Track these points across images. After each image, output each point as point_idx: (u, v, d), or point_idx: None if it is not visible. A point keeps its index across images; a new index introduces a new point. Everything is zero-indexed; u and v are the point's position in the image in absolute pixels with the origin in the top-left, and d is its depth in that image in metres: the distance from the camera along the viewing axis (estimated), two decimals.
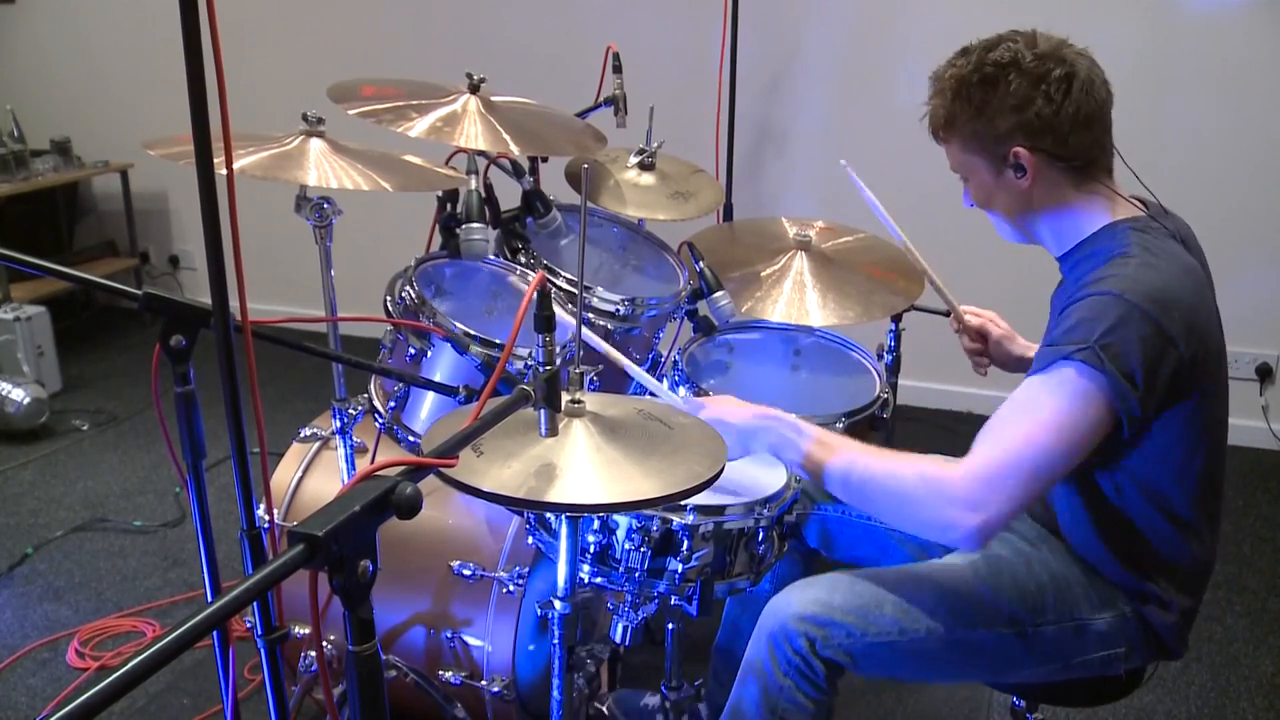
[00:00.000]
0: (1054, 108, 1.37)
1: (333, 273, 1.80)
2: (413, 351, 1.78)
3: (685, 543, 1.49)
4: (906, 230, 1.91)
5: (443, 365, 1.77)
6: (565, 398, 1.27)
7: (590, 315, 1.93)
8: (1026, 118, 1.37)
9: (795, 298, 2.10)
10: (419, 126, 1.85)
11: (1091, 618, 1.46)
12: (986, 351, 1.86)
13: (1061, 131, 1.38)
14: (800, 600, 1.47)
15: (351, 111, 1.86)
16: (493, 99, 2.00)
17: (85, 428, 3.61)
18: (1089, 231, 1.44)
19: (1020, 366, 1.81)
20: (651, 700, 1.99)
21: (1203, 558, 1.48)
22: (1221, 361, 1.42)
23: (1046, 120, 1.37)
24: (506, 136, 1.89)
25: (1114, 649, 1.47)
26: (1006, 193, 1.45)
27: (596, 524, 1.52)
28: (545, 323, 1.20)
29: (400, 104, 1.91)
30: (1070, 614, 1.46)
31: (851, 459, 1.40)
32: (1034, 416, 1.28)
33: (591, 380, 1.83)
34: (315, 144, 1.74)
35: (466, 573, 1.84)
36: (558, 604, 1.42)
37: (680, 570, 1.50)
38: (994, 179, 1.45)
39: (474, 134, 1.87)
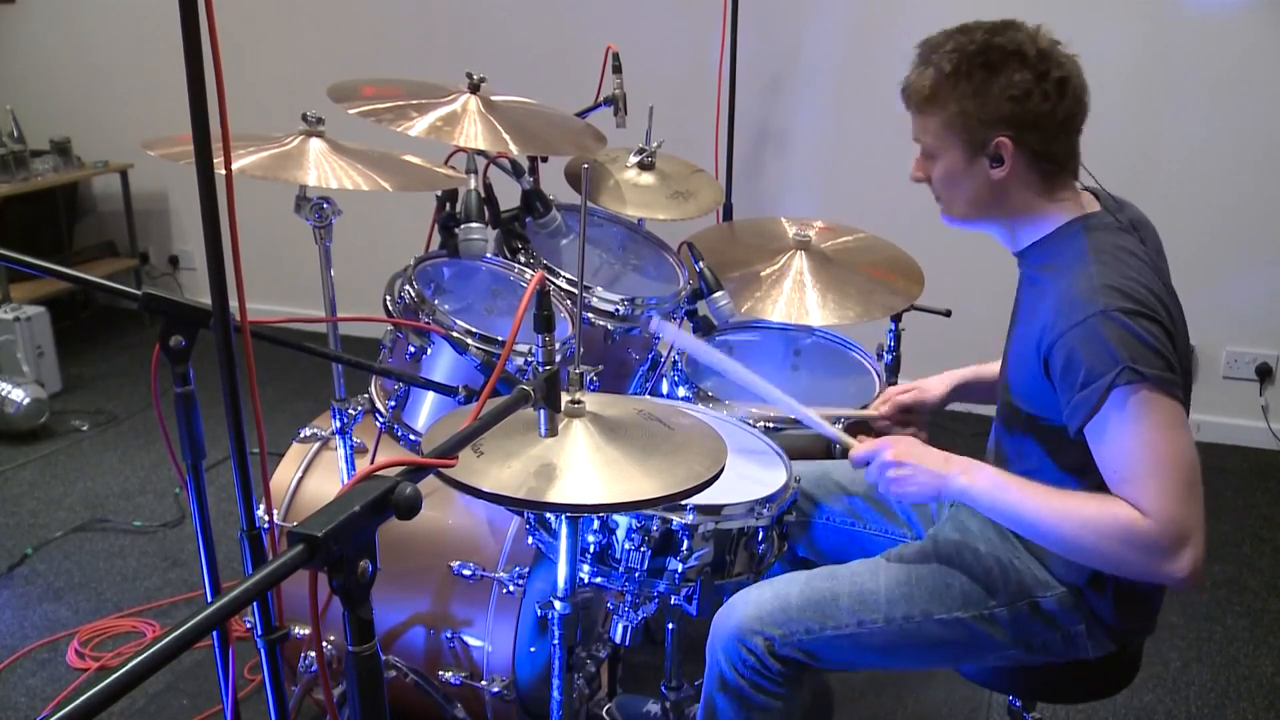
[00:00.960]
0: (1049, 106, 1.36)
1: (332, 273, 1.80)
2: (412, 350, 1.78)
3: (685, 542, 1.49)
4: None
5: (442, 365, 1.77)
6: (565, 398, 1.27)
7: (590, 315, 1.93)
8: (1021, 110, 1.36)
9: (795, 298, 2.10)
10: (419, 126, 1.85)
11: (1042, 595, 1.47)
12: (915, 419, 1.83)
13: (1049, 132, 1.38)
14: (757, 599, 1.49)
15: (352, 111, 1.86)
16: (493, 98, 2.01)
17: (85, 428, 3.61)
18: (1046, 232, 1.44)
19: (955, 397, 1.81)
20: (653, 708, 1.99)
21: None
22: (1186, 341, 1.42)
23: (1038, 118, 1.37)
24: (506, 136, 1.89)
25: (1072, 627, 1.47)
26: (975, 179, 1.43)
27: (596, 524, 1.52)
28: (545, 322, 1.21)
29: (400, 103, 1.91)
30: (1021, 593, 1.48)
31: (1029, 509, 1.36)
32: (1146, 443, 1.28)
33: (591, 380, 1.83)
34: (315, 144, 1.74)
35: (466, 573, 1.84)
36: (558, 604, 1.42)
37: (680, 570, 1.50)
38: (965, 163, 1.42)
39: (474, 134, 1.87)
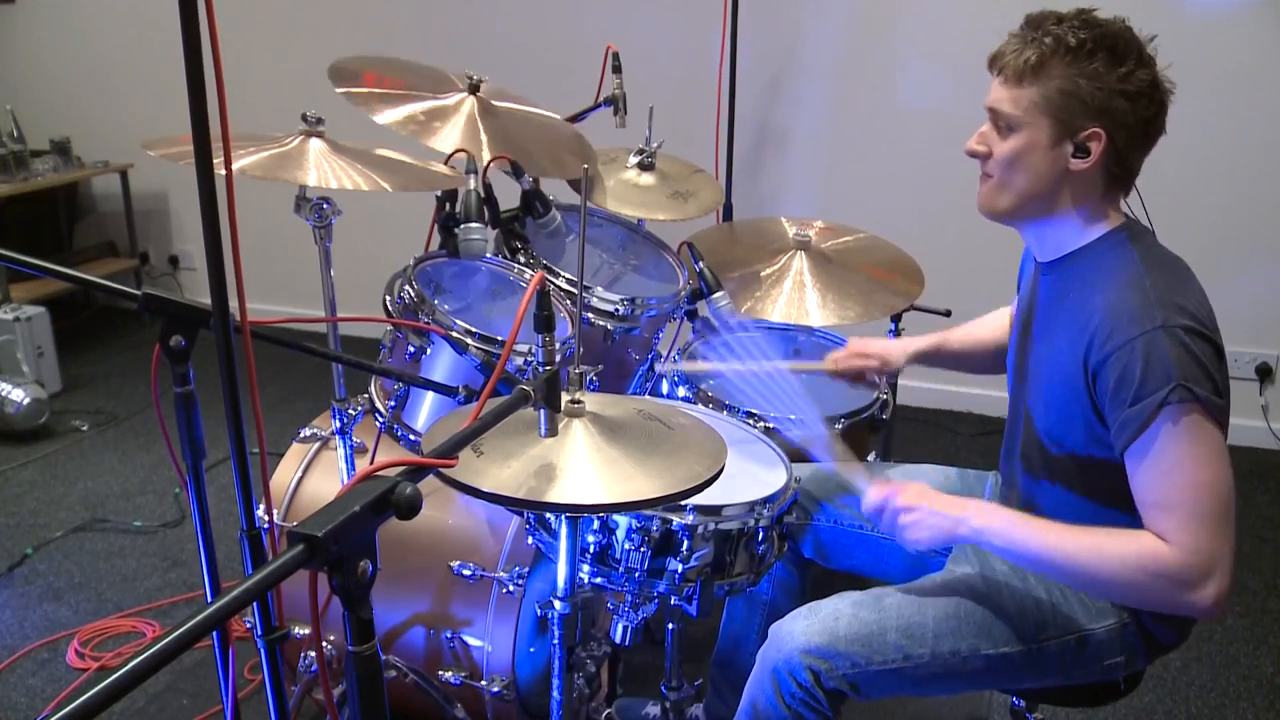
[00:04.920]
0: (1150, 113, 1.34)
1: (332, 273, 1.80)
2: (412, 349, 1.78)
3: (685, 543, 1.49)
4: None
5: (442, 365, 1.77)
6: (565, 398, 1.27)
7: (590, 315, 1.93)
8: (1128, 108, 1.32)
9: (795, 298, 2.10)
10: (391, 116, 1.83)
11: (1091, 629, 1.46)
12: (873, 367, 1.90)
13: (1137, 139, 1.36)
14: (805, 631, 1.46)
15: (339, 90, 1.84)
16: (493, 103, 2.00)
17: (85, 428, 3.61)
18: (1086, 241, 1.42)
19: (914, 362, 1.86)
20: (653, 709, 1.99)
21: None
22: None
23: (1138, 121, 1.34)
24: (484, 139, 1.88)
25: (1114, 658, 1.47)
26: (1047, 165, 1.37)
27: (596, 524, 1.52)
28: (545, 322, 1.20)
29: (392, 93, 1.90)
30: (1070, 627, 1.46)
31: (1046, 547, 1.34)
32: (1185, 469, 1.26)
33: (591, 380, 1.83)
34: (315, 144, 1.74)
35: (466, 573, 1.84)
36: (558, 604, 1.42)
37: (680, 570, 1.50)
38: (1047, 145, 1.36)
39: (453, 134, 1.86)
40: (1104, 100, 1.32)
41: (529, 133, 2.11)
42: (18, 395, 3.45)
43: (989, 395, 3.57)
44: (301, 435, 2.11)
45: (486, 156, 1.88)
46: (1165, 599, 1.29)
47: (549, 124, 2.19)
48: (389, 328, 1.84)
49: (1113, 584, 1.32)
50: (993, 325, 1.85)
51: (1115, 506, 1.38)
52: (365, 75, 1.95)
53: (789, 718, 1.46)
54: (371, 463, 1.13)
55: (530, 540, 1.65)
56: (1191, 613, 1.30)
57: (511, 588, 1.82)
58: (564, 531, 1.39)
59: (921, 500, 1.43)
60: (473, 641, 1.85)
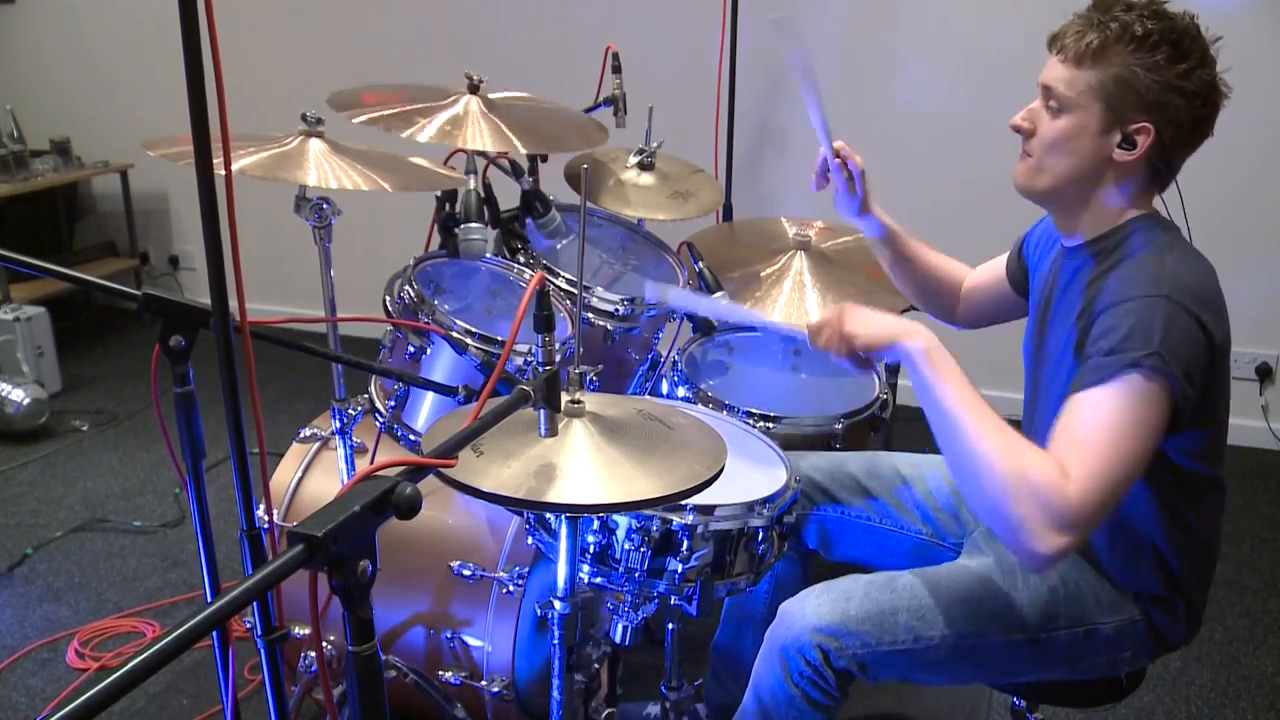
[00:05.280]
0: (1203, 114, 1.33)
1: (332, 273, 1.80)
2: (412, 349, 1.78)
3: (685, 543, 1.49)
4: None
5: (442, 365, 1.77)
6: (565, 398, 1.27)
7: (590, 315, 1.93)
8: (1182, 105, 1.31)
9: (795, 298, 2.10)
10: (428, 131, 1.85)
11: (1102, 623, 1.46)
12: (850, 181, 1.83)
13: (1185, 138, 1.34)
14: (816, 610, 1.45)
15: (357, 120, 1.86)
16: (492, 97, 2.01)
17: (85, 428, 3.61)
18: (1113, 225, 1.41)
19: (876, 222, 1.79)
20: (653, 710, 1.99)
21: (1210, 542, 1.49)
22: (1229, 355, 1.41)
23: (1189, 120, 1.32)
24: (513, 136, 1.89)
25: (1121, 652, 1.47)
26: (1092, 152, 1.36)
27: (596, 524, 1.52)
28: (545, 322, 1.21)
29: (404, 109, 1.91)
30: (1081, 619, 1.46)
31: (959, 409, 1.31)
32: (1119, 428, 1.24)
33: (591, 380, 1.83)
34: (314, 144, 1.74)
35: (466, 573, 1.84)
36: (558, 604, 1.42)
37: (680, 570, 1.50)
38: (1096, 132, 1.34)
39: (480, 135, 1.87)
40: (1159, 94, 1.30)
41: (539, 117, 2.11)
42: (18, 395, 3.45)
43: (989, 395, 3.56)
44: (301, 435, 2.11)
45: (521, 149, 1.89)
46: (1024, 521, 1.21)
47: (556, 109, 2.19)
48: (389, 328, 1.84)
49: (989, 477, 1.25)
50: (948, 265, 1.84)
51: (1149, 483, 1.38)
52: (364, 96, 1.96)
53: (796, 696, 1.45)
54: (371, 463, 1.13)
55: (530, 540, 1.65)
56: (1030, 550, 1.22)
57: (511, 588, 1.82)
58: (564, 531, 1.39)
59: (862, 313, 1.44)
60: (473, 641, 1.85)
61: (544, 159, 2.26)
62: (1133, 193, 1.40)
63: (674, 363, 2.09)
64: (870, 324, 1.43)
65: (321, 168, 1.67)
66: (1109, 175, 1.38)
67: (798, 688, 1.45)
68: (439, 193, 1.90)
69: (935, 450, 1.41)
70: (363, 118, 1.87)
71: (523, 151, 1.93)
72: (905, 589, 1.48)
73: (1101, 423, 1.24)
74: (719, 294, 2.07)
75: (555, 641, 1.45)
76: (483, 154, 1.99)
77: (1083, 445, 1.24)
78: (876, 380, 2.11)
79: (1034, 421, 1.56)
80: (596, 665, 1.97)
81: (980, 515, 1.31)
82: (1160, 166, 1.37)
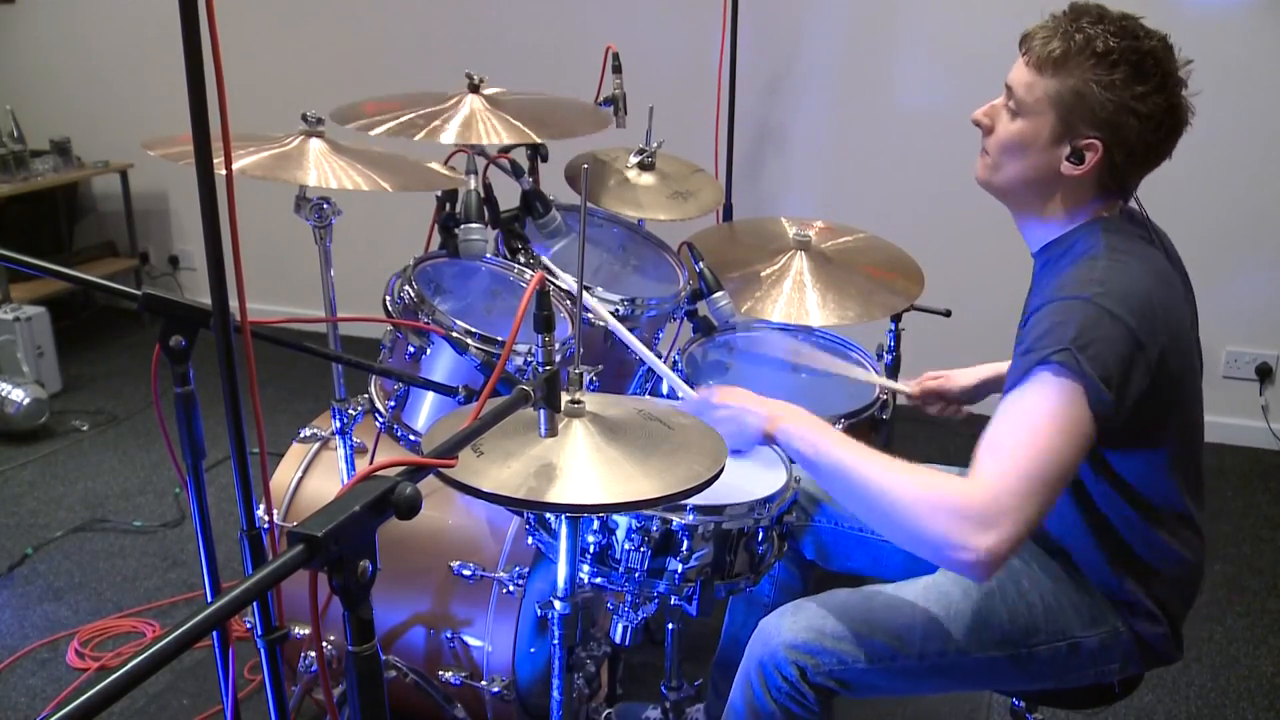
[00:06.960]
0: (1156, 138, 1.31)
1: (332, 273, 1.80)
2: (412, 349, 1.78)
3: (685, 543, 1.49)
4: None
5: (442, 365, 1.77)
6: (565, 398, 1.27)
7: (590, 316, 1.93)
8: (1135, 126, 1.30)
9: (795, 298, 2.10)
10: (447, 134, 1.85)
11: (1084, 635, 1.45)
12: (950, 402, 1.91)
13: (1137, 159, 1.33)
14: (791, 627, 1.45)
15: (375, 132, 1.86)
16: (491, 94, 2.01)
17: (85, 428, 3.61)
18: (1065, 230, 1.41)
19: (983, 392, 1.85)
20: (653, 713, 1.99)
21: (1191, 561, 1.47)
22: (1193, 363, 1.40)
23: (1141, 142, 1.31)
24: (524, 127, 1.89)
25: (1107, 664, 1.47)
26: (1041, 160, 1.35)
27: (596, 524, 1.52)
28: (545, 322, 1.20)
29: (413, 114, 1.91)
30: (1063, 633, 1.45)
31: (850, 462, 1.33)
32: (1030, 424, 1.23)
33: (591, 380, 1.83)
34: (315, 144, 1.74)
35: (466, 573, 1.84)
36: (558, 604, 1.42)
37: (680, 570, 1.50)
38: (1047, 142, 1.34)
39: (492, 131, 1.87)
40: (1113, 114, 1.29)
41: (544, 108, 2.11)
42: (18, 395, 3.46)
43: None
44: (301, 435, 2.11)
45: (535, 138, 1.92)
46: (941, 536, 1.20)
47: (560, 100, 2.19)
48: (389, 328, 1.84)
49: (896, 509, 1.25)
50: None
51: (1119, 495, 1.38)
52: (365, 107, 1.95)
53: (776, 712, 1.45)
54: (371, 463, 1.13)
55: (530, 540, 1.65)
56: (959, 560, 1.20)
57: (511, 588, 1.82)
58: (564, 531, 1.39)
59: (733, 397, 1.45)
60: (473, 641, 1.85)
61: (544, 159, 2.26)
62: (1083, 206, 1.39)
63: (674, 363, 2.08)
64: (735, 425, 1.46)
65: (321, 168, 1.67)
66: (1061, 186, 1.38)
67: (777, 703, 1.44)
68: (439, 193, 1.89)
69: (934, 454, 1.41)
70: (379, 130, 1.87)
71: (537, 141, 1.93)
72: (881, 607, 1.47)
73: (1012, 421, 1.25)
74: (719, 294, 2.07)
75: (555, 641, 1.45)
76: (483, 154, 1.99)
77: (996, 446, 1.24)
78: (876, 381, 2.11)
79: None
80: (594, 667, 1.97)
81: (908, 549, 1.30)
82: (1110, 185, 1.36)
